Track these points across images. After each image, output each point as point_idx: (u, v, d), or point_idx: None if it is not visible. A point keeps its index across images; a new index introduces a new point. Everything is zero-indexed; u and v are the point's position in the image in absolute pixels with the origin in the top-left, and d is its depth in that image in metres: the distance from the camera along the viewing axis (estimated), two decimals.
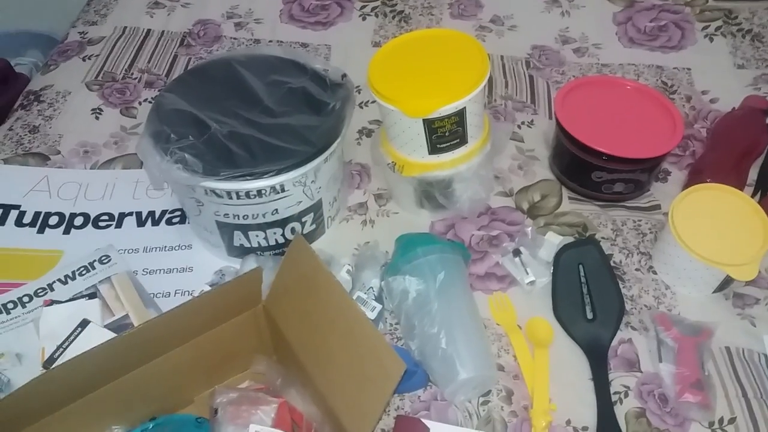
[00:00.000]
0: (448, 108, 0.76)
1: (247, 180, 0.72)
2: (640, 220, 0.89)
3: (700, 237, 0.77)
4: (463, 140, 0.81)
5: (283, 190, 0.75)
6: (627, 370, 0.74)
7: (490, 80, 1.10)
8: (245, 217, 0.77)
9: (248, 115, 0.78)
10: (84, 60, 1.14)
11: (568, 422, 0.70)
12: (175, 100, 0.79)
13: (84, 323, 0.73)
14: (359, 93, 1.06)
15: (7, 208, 0.91)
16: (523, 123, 1.03)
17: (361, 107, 1.05)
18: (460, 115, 0.77)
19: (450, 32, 0.85)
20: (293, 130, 0.77)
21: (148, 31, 1.20)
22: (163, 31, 1.20)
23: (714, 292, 0.81)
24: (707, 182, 0.85)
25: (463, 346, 0.70)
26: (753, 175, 0.93)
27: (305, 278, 0.65)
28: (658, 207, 0.91)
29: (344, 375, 0.62)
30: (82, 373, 0.60)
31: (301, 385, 0.68)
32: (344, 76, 0.83)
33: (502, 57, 1.14)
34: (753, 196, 0.90)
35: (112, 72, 1.12)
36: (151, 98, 1.07)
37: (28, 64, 1.64)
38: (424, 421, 0.69)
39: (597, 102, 0.92)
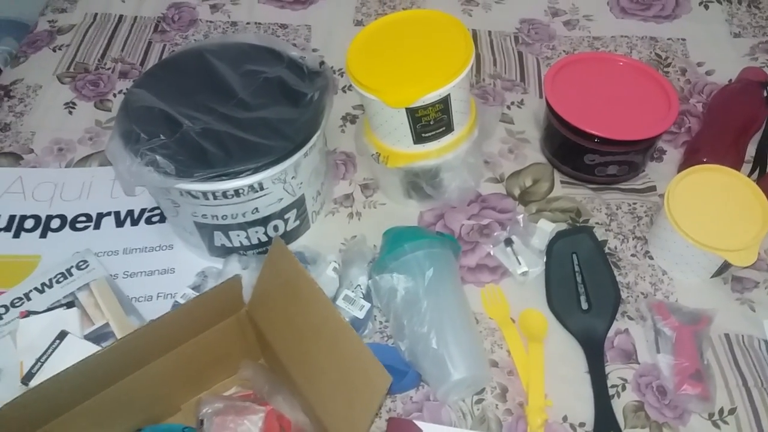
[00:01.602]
0: (432, 96, 0.72)
1: (223, 180, 0.69)
2: (635, 203, 0.87)
3: (697, 221, 0.75)
4: (449, 128, 0.77)
5: (261, 189, 0.72)
6: (624, 362, 0.72)
7: (478, 58, 1.06)
8: (224, 217, 0.74)
9: (222, 109, 0.74)
10: (54, 51, 1.09)
11: (565, 418, 0.69)
12: (145, 96, 0.75)
13: (62, 335, 0.71)
14: (342, 76, 1.02)
15: None
16: (512, 103, 0.99)
17: (344, 91, 1.01)
18: (445, 102, 0.73)
19: (432, 13, 0.81)
20: (270, 124, 0.73)
21: (121, 17, 1.15)
22: (135, 17, 1.15)
23: (712, 276, 0.78)
24: (704, 162, 0.82)
25: (454, 345, 0.68)
26: (751, 151, 0.90)
27: (287, 284, 0.63)
28: (653, 188, 0.88)
29: (331, 385, 0.60)
30: (63, 389, 0.58)
31: (288, 392, 0.66)
32: (322, 63, 0.79)
33: (489, 32, 1.10)
34: (751, 173, 0.87)
35: (84, 63, 1.07)
36: (126, 89, 1.02)
37: (2, 53, 1.58)
38: (417, 422, 0.67)
39: (588, 80, 0.88)
